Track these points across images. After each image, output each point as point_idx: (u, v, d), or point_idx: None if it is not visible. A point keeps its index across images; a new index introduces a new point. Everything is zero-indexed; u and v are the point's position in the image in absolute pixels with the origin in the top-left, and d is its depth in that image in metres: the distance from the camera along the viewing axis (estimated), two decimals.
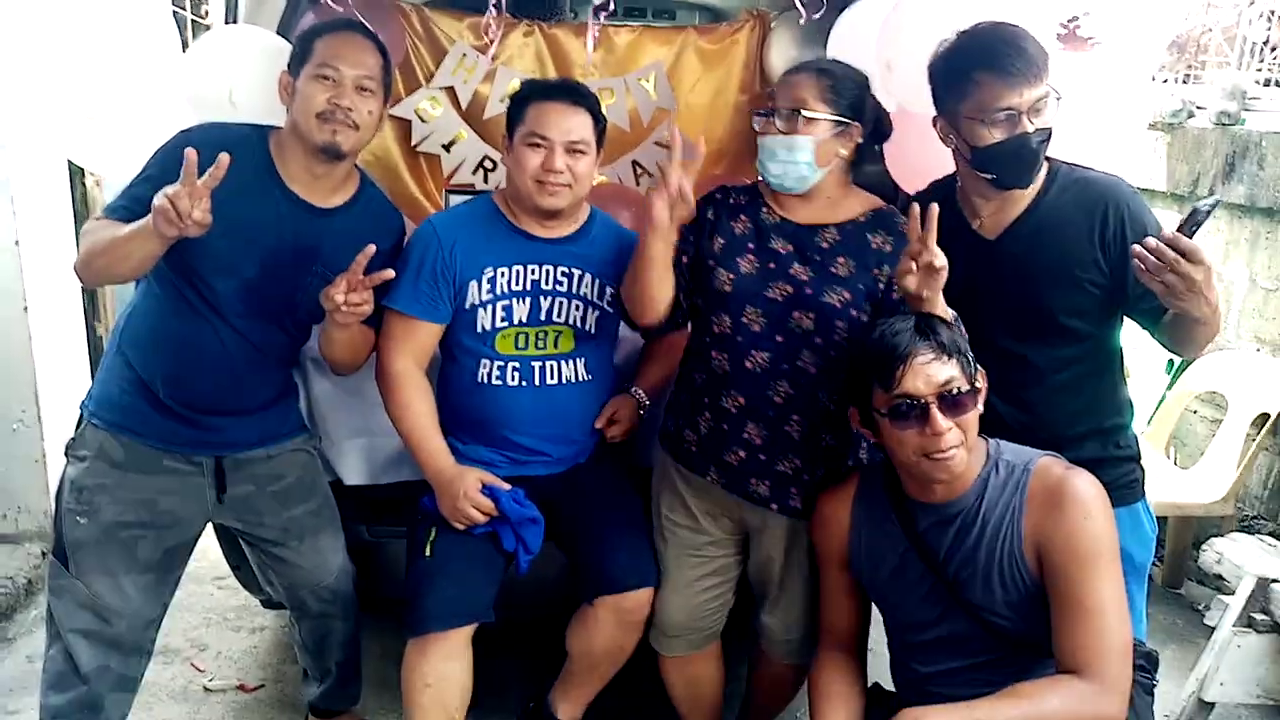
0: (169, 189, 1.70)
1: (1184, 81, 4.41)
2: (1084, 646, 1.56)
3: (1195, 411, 3.56)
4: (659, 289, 1.91)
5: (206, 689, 2.73)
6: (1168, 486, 3.31)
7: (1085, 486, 1.63)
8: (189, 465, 2.01)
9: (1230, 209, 3.44)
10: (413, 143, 3.26)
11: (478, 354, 2.10)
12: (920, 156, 2.01)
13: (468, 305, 2.08)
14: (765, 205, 1.98)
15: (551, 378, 2.12)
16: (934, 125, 1.85)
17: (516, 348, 2.10)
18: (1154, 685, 1.76)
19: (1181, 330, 1.72)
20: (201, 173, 1.71)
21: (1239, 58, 4.35)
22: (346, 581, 2.23)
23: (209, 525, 2.18)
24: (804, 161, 1.87)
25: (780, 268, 1.91)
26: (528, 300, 2.09)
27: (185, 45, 2.47)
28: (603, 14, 2.64)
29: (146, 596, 2.05)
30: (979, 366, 1.68)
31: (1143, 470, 1.94)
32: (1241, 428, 3.25)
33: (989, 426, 1.73)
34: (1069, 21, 1.80)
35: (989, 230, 1.87)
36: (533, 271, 2.09)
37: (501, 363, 2.10)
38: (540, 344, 2.11)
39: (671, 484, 2.09)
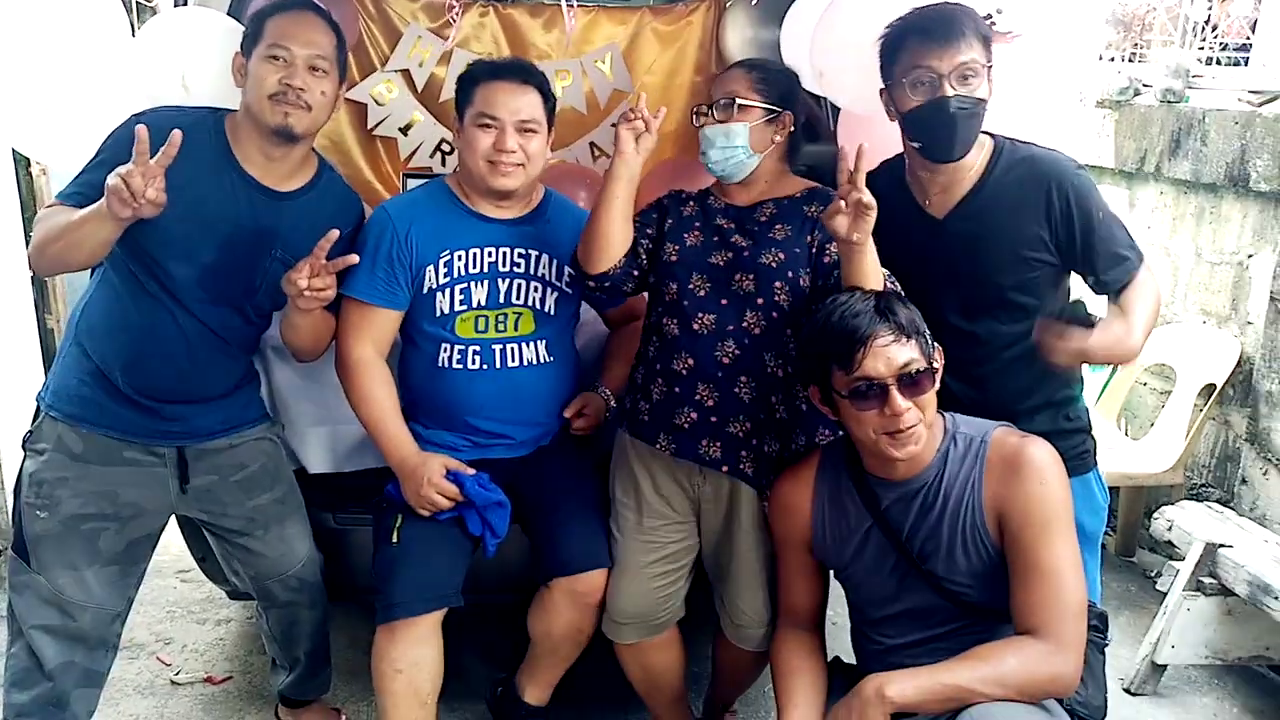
0: (121, 169, 1.68)
1: (1131, 60, 4.49)
2: (1040, 607, 1.61)
3: (1145, 384, 3.65)
4: (616, 230, 1.95)
5: (173, 682, 2.70)
6: (1119, 457, 3.39)
7: (1041, 453, 1.68)
8: (150, 456, 1.99)
9: (1176, 184, 3.52)
10: (369, 126, 3.23)
11: (438, 338, 2.10)
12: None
13: (425, 290, 2.07)
14: (711, 194, 2.08)
15: (512, 360, 2.12)
16: (880, 98, 1.90)
17: (476, 331, 2.10)
18: (1106, 644, 1.81)
19: None
20: (155, 155, 1.69)
21: (1181, 36, 4.44)
22: (313, 570, 2.22)
23: (172, 518, 2.17)
24: (740, 146, 1.95)
25: (722, 239, 2.00)
26: (485, 283, 2.09)
27: (134, 29, 2.41)
28: None
29: (110, 590, 2.03)
30: (936, 344, 1.72)
31: (1094, 441, 2.00)
32: (1189, 398, 3.33)
33: (942, 403, 1.77)
34: (984, 19, 1.85)
35: (937, 209, 1.91)
36: (489, 254, 2.10)
37: (462, 346, 2.10)
38: (500, 327, 2.11)
39: (626, 465, 2.11)
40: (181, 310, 1.94)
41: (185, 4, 2.44)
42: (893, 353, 1.64)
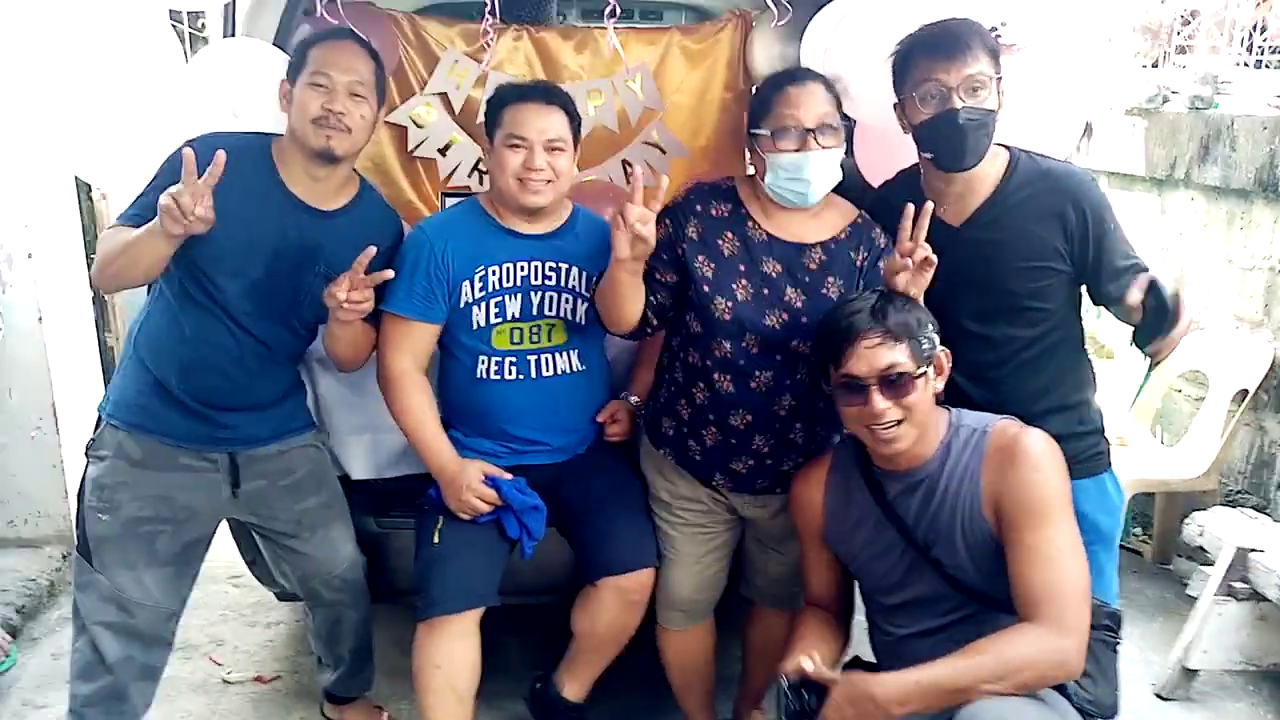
0: (172, 189, 1.81)
1: (1160, 66, 4.49)
2: (1039, 592, 1.63)
3: (1180, 391, 3.65)
4: (626, 308, 1.99)
5: (225, 681, 2.83)
6: (1153, 464, 3.40)
7: (1036, 442, 1.72)
8: (204, 461, 2.11)
9: (1206, 190, 3.52)
10: (409, 148, 3.34)
11: (475, 350, 2.18)
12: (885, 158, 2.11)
13: (462, 304, 2.16)
14: (750, 219, 2.02)
15: (547, 370, 2.20)
16: (895, 112, 1.96)
17: (512, 343, 2.18)
18: (1118, 643, 1.83)
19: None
20: (207, 155, 1.82)
21: (1228, 39, 4.42)
22: (357, 571, 2.33)
23: (224, 523, 2.28)
24: (836, 174, 1.94)
25: (774, 293, 1.97)
26: (519, 296, 2.17)
27: (187, 59, 2.55)
28: (610, 19, 2.73)
29: (166, 589, 2.15)
30: (943, 348, 1.78)
31: (1107, 443, 2.04)
32: (1223, 404, 3.33)
33: (957, 405, 1.83)
34: (990, 32, 1.90)
35: (952, 218, 1.96)
36: (522, 268, 2.18)
37: (499, 358, 2.18)
38: (534, 338, 2.19)
39: (671, 473, 2.18)
40: (232, 323, 2.05)
41: (234, 35, 2.56)
42: (878, 354, 1.71)
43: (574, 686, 2.34)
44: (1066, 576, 1.64)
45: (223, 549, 2.45)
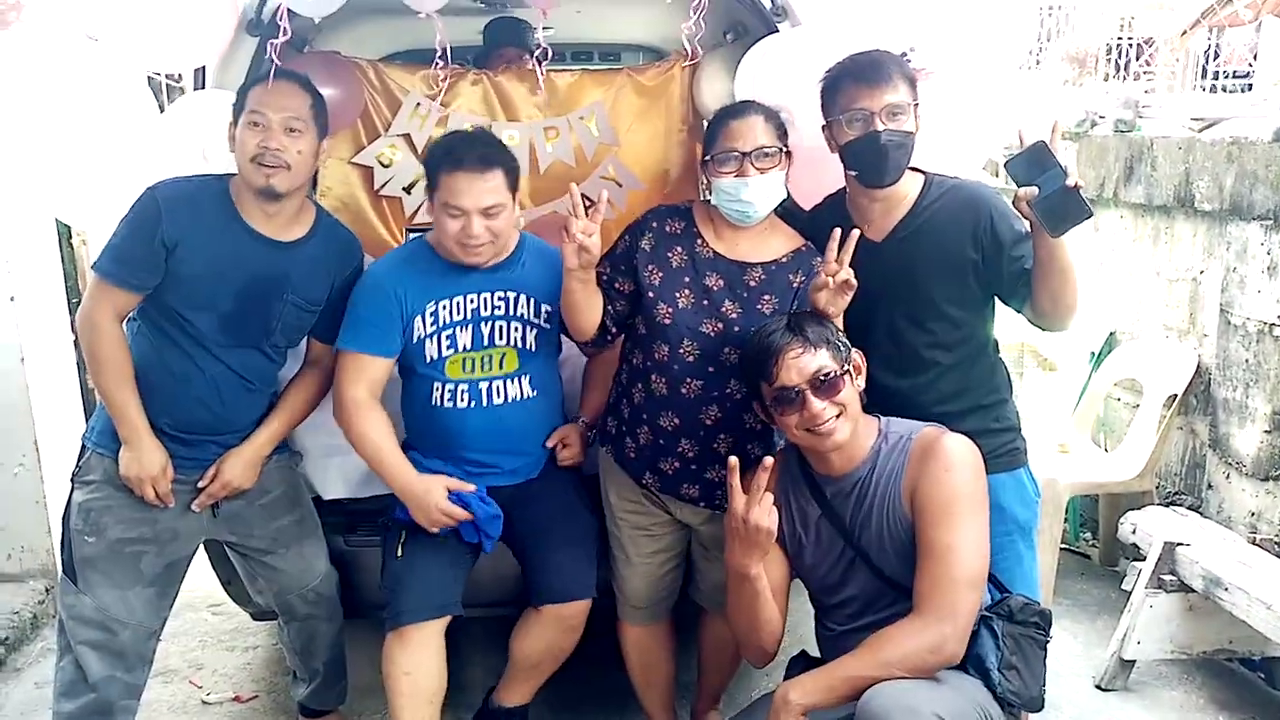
0: (148, 481, 2.14)
1: (1110, 89, 4.71)
2: (930, 582, 1.78)
3: (1118, 399, 3.83)
4: (584, 317, 2.15)
5: (204, 702, 2.93)
6: (1093, 469, 3.56)
7: (952, 444, 1.88)
8: (186, 485, 2.23)
9: (1133, 208, 3.73)
10: (375, 187, 3.50)
11: (430, 379, 2.28)
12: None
13: (415, 339, 2.25)
14: (700, 237, 2.19)
15: (498, 397, 2.30)
16: (823, 133, 2.13)
17: (464, 371, 2.28)
18: (1047, 641, 1.92)
19: (1047, 291, 1.97)
20: (169, 200, 2.07)
21: (1184, 67, 4.64)
22: (330, 585, 2.46)
23: (201, 553, 2.40)
24: (776, 194, 2.13)
25: (713, 304, 2.15)
26: (469, 328, 2.27)
27: (162, 108, 2.70)
28: (543, 61, 2.91)
29: (149, 609, 2.26)
30: (852, 348, 1.94)
31: (1023, 440, 2.20)
32: (1155, 409, 3.51)
33: (880, 406, 1.99)
34: (900, 56, 2.09)
35: (875, 234, 2.13)
36: (471, 300, 2.27)
37: (452, 386, 2.27)
38: (485, 367, 2.29)
39: (618, 473, 2.33)
40: (207, 355, 2.18)
41: (204, 87, 2.72)
42: (804, 362, 1.87)
43: (514, 697, 2.46)
44: (958, 567, 1.77)
45: (201, 579, 2.58)
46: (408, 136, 3.45)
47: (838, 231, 1.95)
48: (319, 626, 2.47)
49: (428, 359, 2.27)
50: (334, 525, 2.53)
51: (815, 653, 2.11)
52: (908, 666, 1.73)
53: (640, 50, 3.90)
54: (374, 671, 2.82)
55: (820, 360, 1.88)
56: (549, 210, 3.43)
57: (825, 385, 1.87)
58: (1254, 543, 2.98)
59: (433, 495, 2.23)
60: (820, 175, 2.23)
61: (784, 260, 2.18)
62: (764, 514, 1.84)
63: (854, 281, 1.94)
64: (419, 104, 3.39)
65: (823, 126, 2.13)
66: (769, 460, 1.85)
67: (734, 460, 1.92)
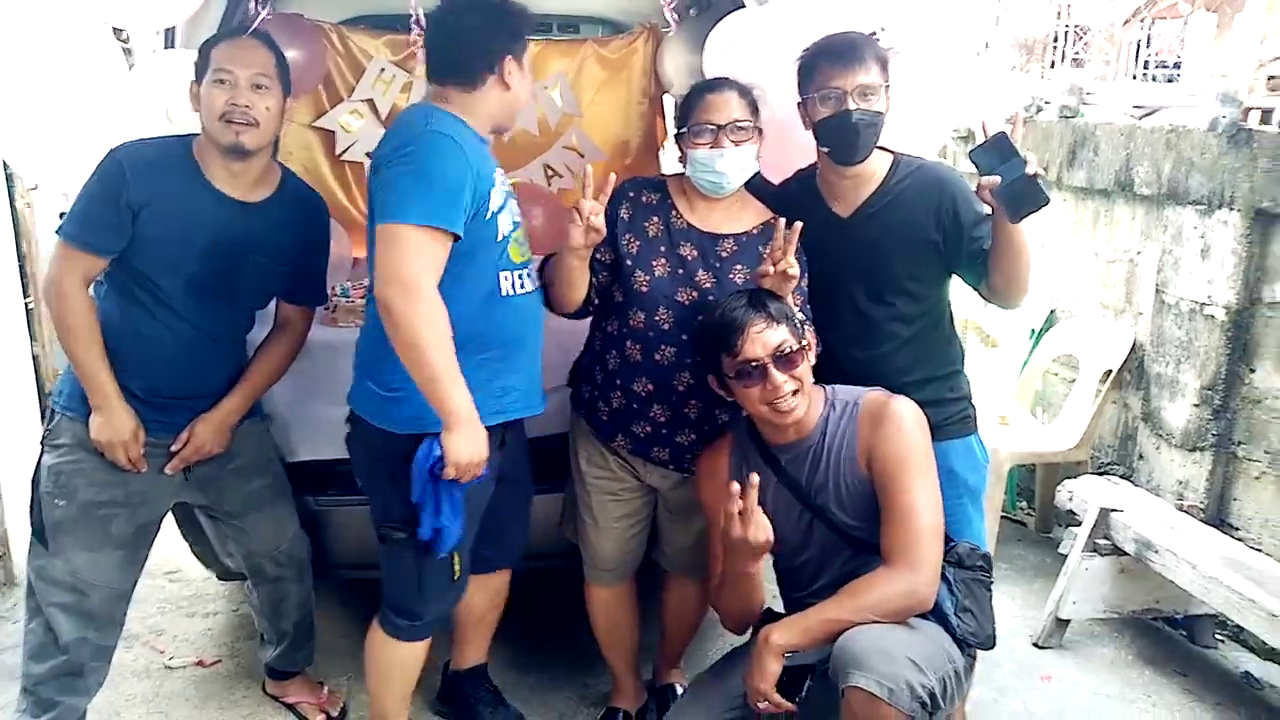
0: (119, 446, 2.13)
1: (1045, 76, 4.87)
2: (898, 537, 1.90)
3: (1056, 374, 4.00)
4: (575, 291, 2.19)
5: (168, 667, 2.92)
6: (1032, 439, 3.72)
7: (900, 406, 1.99)
8: (158, 448, 2.22)
9: (1075, 191, 3.88)
10: (337, 152, 3.49)
11: (495, 264, 2.05)
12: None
13: (489, 214, 2.00)
14: (674, 209, 2.25)
15: (532, 284, 2.16)
16: (798, 110, 2.20)
17: (520, 254, 2.12)
18: (991, 582, 2.08)
19: (1002, 271, 2.07)
20: (133, 163, 2.04)
21: (1117, 55, 4.81)
22: (300, 547, 2.48)
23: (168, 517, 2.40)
24: (749, 167, 2.18)
25: (687, 273, 2.20)
26: (512, 202, 2.12)
27: (129, 68, 2.66)
28: None
29: (120, 571, 2.26)
30: (807, 324, 2.03)
31: (974, 408, 2.31)
32: (1091, 383, 3.68)
33: (843, 375, 2.09)
34: (869, 35, 2.17)
35: (843, 210, 2.21)
36: (501, 172, 2.11)
37: (512, 272, 2.07)
38: (524, 251, 2.14)
39: (588, 439, 2.39)
40: (175, 317, 2.17)
41: (173, 47, 2.69)
42: (767, 337, 1.96)
43: (469, 657, 2.55)
44: (919, 521, 1.90)
45: (158, 547, 2.54)
46: (371, 102, 3.45)
47: (781, 222, 2.04)
48: (289, 588, 2.50)
49: (499, 236, 2.04)
50: (303, 485, 2.54)
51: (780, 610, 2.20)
52: (882, 611, 1.85)
53: (600, 23, 3.93)
54: (337, 636, 2.90)
55: (781, 335, 1.97)
56: (514, 180, 3.45)
57: (785, 360, 1.96)
58: (1181, 509, 3.17)
59: (481, 429, 1.99)
60: (788, 151, 2.30)
61: (754, 232, 2.25)
62: (761, 530, 1.92)
63: (796, 273, 2.03)
64: (383, 69, 3.39)
65: (798, 104, 2.19)
66: (755, 478, 1.92)
67: (734, 486, 1.94)
